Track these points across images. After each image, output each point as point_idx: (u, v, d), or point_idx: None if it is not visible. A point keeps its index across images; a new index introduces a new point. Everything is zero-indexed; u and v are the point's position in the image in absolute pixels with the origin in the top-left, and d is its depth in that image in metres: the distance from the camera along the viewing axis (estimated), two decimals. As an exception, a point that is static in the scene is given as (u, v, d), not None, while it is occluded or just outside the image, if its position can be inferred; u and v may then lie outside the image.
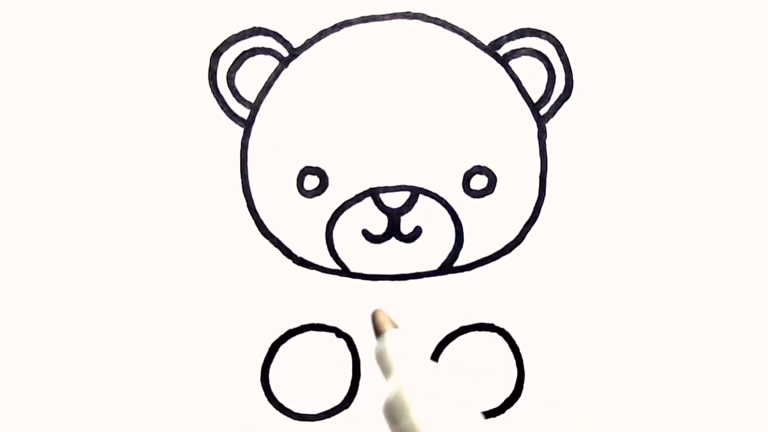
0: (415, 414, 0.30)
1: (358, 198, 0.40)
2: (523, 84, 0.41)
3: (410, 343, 0.33)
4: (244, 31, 0.41)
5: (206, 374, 0.40)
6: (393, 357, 0.32)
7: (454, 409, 0.30)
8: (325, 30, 0.41)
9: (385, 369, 0.33)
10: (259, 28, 0.41)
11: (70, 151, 0.40)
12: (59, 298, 0.40)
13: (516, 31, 0.41)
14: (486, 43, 0.41)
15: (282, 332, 0.40)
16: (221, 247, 0.40)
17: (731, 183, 0.41)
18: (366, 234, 0.40)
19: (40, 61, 0.41)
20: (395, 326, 0.34)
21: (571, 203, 0.41)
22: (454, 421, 0.30)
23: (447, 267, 0.41)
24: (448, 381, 0.31)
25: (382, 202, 0.40)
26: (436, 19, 0.41)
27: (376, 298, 0.40)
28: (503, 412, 0.40)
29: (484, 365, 0.40)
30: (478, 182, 0.41)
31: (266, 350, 0.40)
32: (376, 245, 0.40)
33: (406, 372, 0.32)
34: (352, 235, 0.40)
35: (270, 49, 0.41)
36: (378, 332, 0.34)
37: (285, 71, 0.41)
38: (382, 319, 0.34)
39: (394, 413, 0.30)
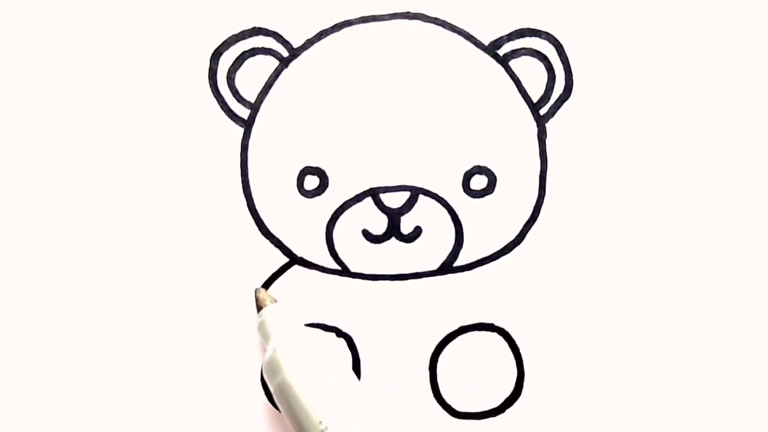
0: (287, 370, 0.35)
1: (358, 198, 0.40)
2: (523, 84, 0.41)
3: (286, 315, 0.38)
4: (244, 31, 0.41)
5: (206, 374, 0.40)
6: (270, 327, 0.37)
7: (321, 364, 0.36)
8: (325, 30, 0.41)
9: (265, 338, 0.38)
10: (259, 28, 0.41)
11: (69, 150, 0.41)
12: (57, 299, 0.40)
13: (516, 31, 0.41)
14: (486, 43, 0.41)
15: (282, 332, 0.40)
16: (221, 247, 0.40)
17: (732, 183, 0.41)
18: (366, 234, 0.40)
19: (39, 61, 0.41)
20: (274, 301, 0.39)
21: (571, 203, 0.41)
22: (321, 374, 0.35)
23: (447, 267, 0.41)
24: (317, 343, 0.37)
25: (382, 202, 0.40)
26: (436, 19, 0.41)
27: (376, 297, 0.40)
28: (503, 412, 0.40)
29: (484, 365, 0.40)
30: (478, 182, 0.41)
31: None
32: (376, 245, 0.40)
33: (280, 337, 0.37)
34: (352, 235, 0.40)
35: (270, 49, 0.41)
36: (259, 308, 0.38)
37: (285, 71, 0.41)
38: (261, 296, 0.39)
39: (270, 373, 0.36)
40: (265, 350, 0.38)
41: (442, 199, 0.40)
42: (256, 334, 0.39)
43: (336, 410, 0.34)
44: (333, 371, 0.36)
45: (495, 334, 0.41)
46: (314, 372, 0.35)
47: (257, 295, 0.39)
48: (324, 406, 0.34)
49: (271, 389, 0.36)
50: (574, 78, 0.41)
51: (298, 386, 0.35)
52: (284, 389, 0.35)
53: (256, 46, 0.41)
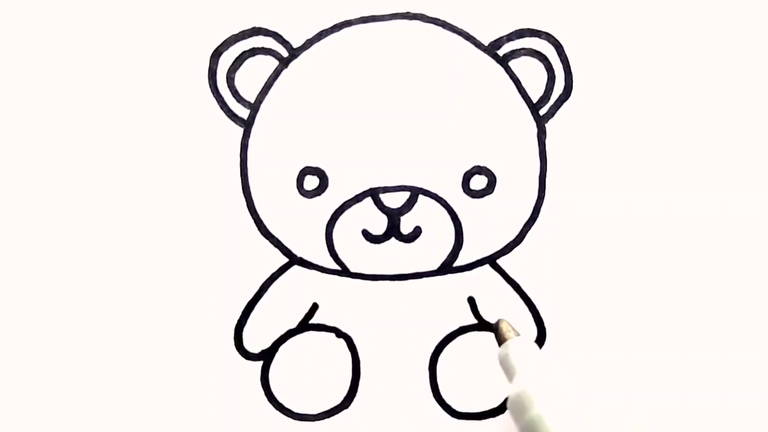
0: (540, 406, 0.34)
1: (357, 198, 0.40)
2: (523, 84, 0.41)
3: (531, 349, 0.37)
4: (244, 31, 0.41)
5: (206, 374, 0.40)
6: (515, 360, 0.36)
7: (573, 399, 0.35)
8: (325, 30, 0.41)
9: (508, 371, 0.36)
10: (259, 28, 0.41)
11: (69, 150, 0.40)
12: (58, 299, 0.40)
13: (516, 31, 0.41)
14: (486, 43, 0.41)
15: (282, 332, 0.40)
16: (221, 247, 0.40)
17: (732, 183, 0.41)
18: (366, 234, 0.40)
19: (40, 60, 0.41)
20: (517, 334, 0.37)
21: (571, 203, 0.41)
22: (575, 409, 0.34)
23: (447, 267, 0.41)
24: (567, 378, 0.36)
25: (382, 202, 0.40)
26: (436, 19, 0.41)
27: (376, 298, 0.40)
28: (503, 412, 0.40)
29: (484, 365, 0.40)
30: (478, 182, 0.41)
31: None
32: (376, 245, 0.40)
33: (528, 372, 0.35)
34: (351, 235, 0.40)
35: (270, 49, 0.41)
36: (501, 340, 0.37)
37: (285, 71, 0.41)
38: (504, 327, 0.38)
39: (519, 408, 0.35)
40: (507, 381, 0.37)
41: (442, 199, 0.40)
42: (498, 365, 0.38)
43: None
44: (585, 407, 0.35)
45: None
46: (568, 407, 0.34)
47: (500, 326, 0.38)
48: None
49: (518, 426, 0.35)
50: (573, 78, 0.41)
51: (552, 422, 0.34)
52: (537, 425, 0.34)
53: (255, 46, 0.41)
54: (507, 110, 0.41)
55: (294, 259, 0.41)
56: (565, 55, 0.41)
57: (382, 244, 0.40)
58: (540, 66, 0.41)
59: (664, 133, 0.41)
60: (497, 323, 0.38)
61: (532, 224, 0.41)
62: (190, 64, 0.41)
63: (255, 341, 0.40)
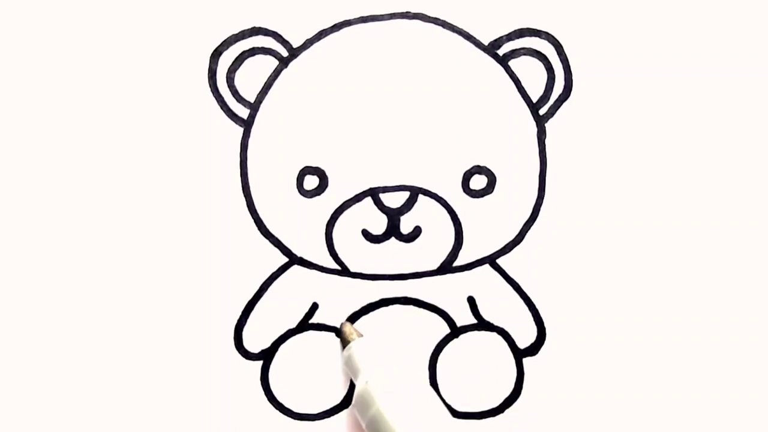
0: (380, 403, 0.35)
1: (357, 198, 0.40)
2: (523, 84, 0.41)
3: (374, 349, 0.38)
4: (243, 31, 0.41)
5: (205, 374, 0.40)
6: (359, 361, 0.38)
7: (413, 396, 0.36)
8: (324, 30, 0.41)
9: (353, 371, 0.38)
10: (259, 28, 0.41)
11: (67, 150, 0.40)
12: (59, 298, 0.40)
13: (516, 31, 0.41)
14: (486, 43, 0.41)
15: (282, 332, 0.40)
16: (221, 247, 0.40)
17: (732, 183, 0.41)
18: (366, 234, 0.40)
19: (39, 60, 0.41)
20: (360, 335, 0.39)
21: (571, 203, 0.41)
22: (415, 406, 0.36)
23: (446, 267, 0.41)
24: (408, 375, 0.37)
25: (381, 202, 0.40)
26: (436, 19, 0.41)
27: (376, 297, 0.40)
28: (502, 411, 0.40)
29: (483, 365, 0.40)
30: (478, 182, 0.41)
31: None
32: (376, 245, 0.40)
33: (370, 371, 0.37)
34: (351, 235, 0.40)
35: (270, 49, 0.41)
36: (345, 342, 0.39)
37: (285, 71, 0.41)
38: (347, 330, 0.39)
39: (362, 406, 0.36)
40: (348, 382, 0.39)
41: (442, 199, 0.40)
42: (342, 367, 0.40)
43: None
44: (426, 403, 0.36)
45: (495, 334, 0.41)
46: (407, 404, 0.35)
47: (343, 329, 0.40)
48: None
49: (363, 423, 0.36)
50: (573, 78, 0.41)
51: (392, 419, 0.35)
52: (378, 422, 0.35)
53: (255, 45, 0.41)
54: (507, 110, 0.41)
55: (294, 259, 0.41)
56: (565, 54, 0.41)
57: (381, 244, 0.40)
58: (540, 66, 0.41)
59: (664, 132, 0.41)
60: (340, 326, 0.40)
61: (532, 224, 0.41)
62: (190, 64, 0.41)
63: (255, 341, 0.40)
